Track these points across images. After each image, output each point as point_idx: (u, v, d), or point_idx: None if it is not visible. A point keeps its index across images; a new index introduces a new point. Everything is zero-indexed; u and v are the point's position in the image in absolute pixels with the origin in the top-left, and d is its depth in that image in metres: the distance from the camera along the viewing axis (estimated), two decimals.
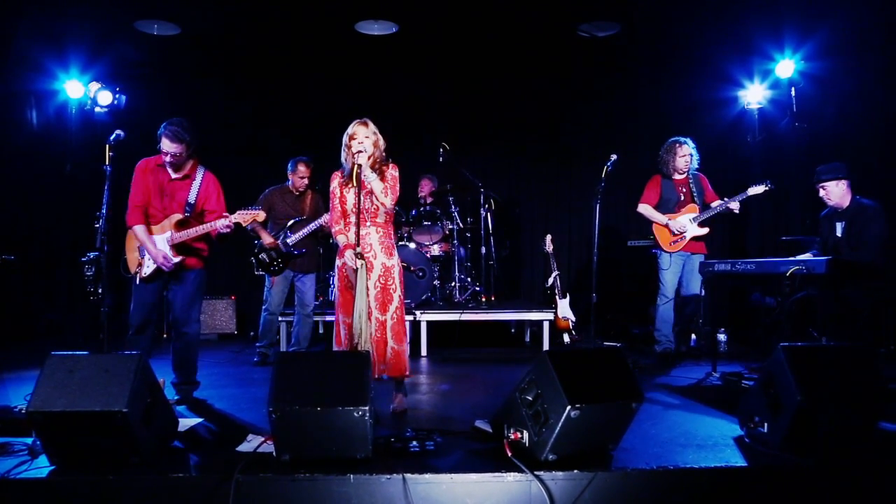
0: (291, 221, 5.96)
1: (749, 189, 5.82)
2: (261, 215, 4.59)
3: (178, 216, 4.41)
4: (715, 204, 5.92)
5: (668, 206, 6.04)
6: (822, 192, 5.31)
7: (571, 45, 7.81)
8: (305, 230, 5.91)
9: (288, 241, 5.88)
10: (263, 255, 5.93)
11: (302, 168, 6.06)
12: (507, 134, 8.88)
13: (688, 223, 5.92)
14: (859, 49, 6.70)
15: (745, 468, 3.03)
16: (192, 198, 4.45)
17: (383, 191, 4.00)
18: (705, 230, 5.95)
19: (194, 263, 4.52)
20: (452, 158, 7.30)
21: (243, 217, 4.45)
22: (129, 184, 4.44)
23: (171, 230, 4.39)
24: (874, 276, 4.95)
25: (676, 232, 5.93)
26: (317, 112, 8.42)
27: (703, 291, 5.94)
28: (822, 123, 7.20)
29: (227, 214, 4.42)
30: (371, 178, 3.96)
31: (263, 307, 6.13)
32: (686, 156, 5.98)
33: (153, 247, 4.32)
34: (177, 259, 4.38)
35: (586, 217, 7.04)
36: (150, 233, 4.38)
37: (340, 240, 4.10)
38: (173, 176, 4.44)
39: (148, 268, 4.37)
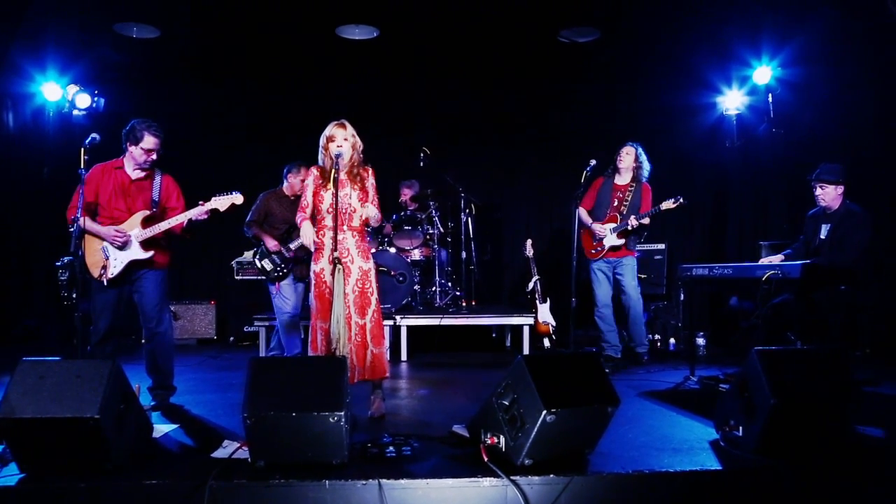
0: (289, 226, 5.84)
1: (661, 204, 5.84)
2: (238, 198, 4.51)
3: (145, 212, 4.39)
4: (633, 217, 5.92)
5: (599, 211, 6.16)
6: (818, 191, 5.29)
7: (552, 50, 7.85)
8: None
9: (291, 246, 5.73)
10: (266, 262, 5.77)
11: (305, 171, 5.73)
12: (488, 139, 8.89)
13: (608, 232, 6.04)
14: (835, 56, 6.78)
15: (719, 471, 3.05)
16: (155, 196, 4.45)
17: (377, 219, 4.15)
18: (621, 241, 6.03)
19: (160, 262, 4.49)
20: (433, 163, 7.31)
21: (220, 202, 4.44)
22: None
23: (138, 227, 4.36)
24: (850, 280, 5.00)
25: (597, 238, 6.08)
26: (297, 116, 8.40)
27: (634, 298, 6.08)
28: (798, 129, 7.28)
29: (202, 202, 4.41)
30: (371, 215, 4.07)
31: (284, 313, 5.78)
32: (626, 155, 6.07)
33: (104, 231, 4.27)
34: (147, 254, 4.36)
35: (567, 222, 7.07)
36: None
37: (305, 226, 4.08)
38: (134, 177, 4.43)
39: (115, 268, 4.31)
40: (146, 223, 4.37)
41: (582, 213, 6.16)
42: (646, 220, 5.91)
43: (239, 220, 8.38)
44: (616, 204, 6.09)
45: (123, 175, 4.42)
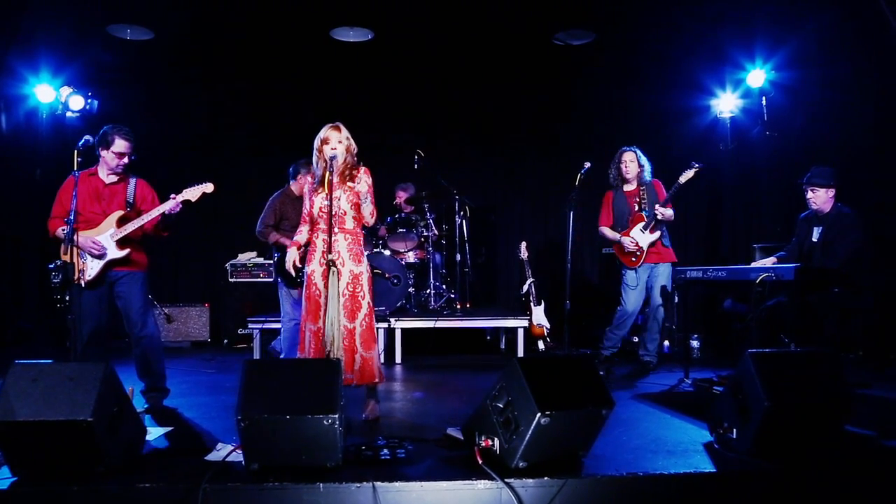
0: None
1: (680, 178, 5.65)
2: (209, 187, 4.50)
3: (119, 212, 4.42)
4: (657, 206, 5.74)
5: (622, 221, 5.97)
6: (809, 194, 5.31)
7: (547, 53, 7.87)
8: None
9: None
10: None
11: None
12: (483, 141, 8.91)
13: (639, 234, 5.83)
14: (828, 60, 6.81)
15: (713, 474, 3.04)
16: (130, 197, 4.49)
17: (371, 214, 4.10)
18: (657, 234, 5.79)
19: (138, 262, 4.50)
20: (427, 165, 7.31)
21: (191, 193, 4.44)
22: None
23: (113, 226, 4.37)
24: (842, 283, 5.02)
25: (630, 248, 5.85)
26: (291, 118, 8.40)
27: (661, 301, 5.85)
28: (791, 132, 7.31)
29: (173, 195, 4.41)
30: (366, 212, 4.06)
31: (292, 320, 5.63)
32: (629, 162, 5.92)
33: (81, 241, 4.26)
34: (123, 252, 4.36)
35: (561, 224, 7.09)
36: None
37: (291, 251, 4.16)
38: (107, 181, 4.46)
39: (92, 269, 4.32)
40: (121, 223, 4.39)
41: (605, 231, 6.03)
42: (669, 205, 5.73)
43: (234, 221, 8.39)
44: (636, 209, 5.90)
45: (97, 180, 4.46)
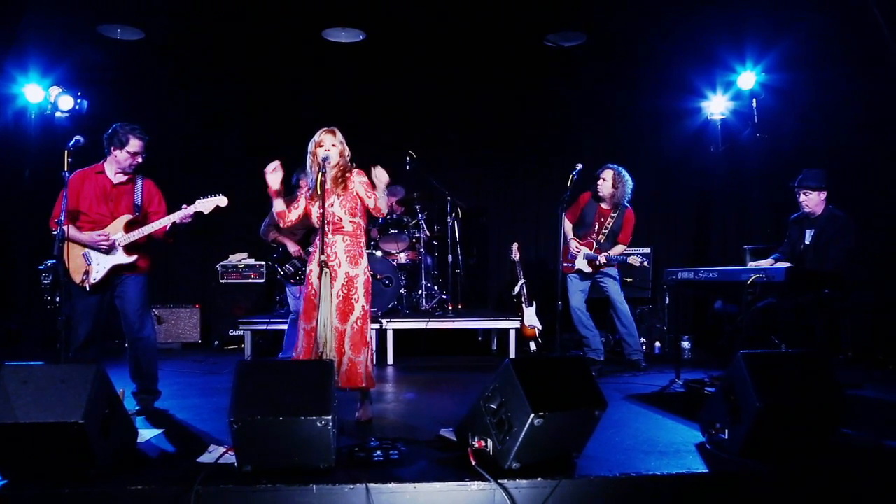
0: (307, 230, 5.76)
1: (629, 258, 5.83)
2: (223, 200, 4.44)
3: (127, 216, 4.36)
4: (602, 256, 5.92)
5: (581, 229, 6.13)
6: (801, 197, 5.33)
7: (538, 54, 7.88)
8: None
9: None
10: (288, 266, 5.73)
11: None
12: (475, 142, 8.90)
13: (582, 256, 6.01)
14: (818, 62, 6.84)
15: (705, 474, 3.06)
16: (137, 200, 4.43)
17: (386, 203, 4.11)
18: (590, 270, 6.01)
19: (142, 267, 4.46)
20: (419, 166, 7.30)
21: (204, 205, 4.39)
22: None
23: (121, 231, 4.32)
24: (832, 284, 5.04)
25: (571, 255, 6.06)
26: (283, 119, 8.37)
27: (618, 306, 6.00)
28: (782, 134, 7.34)
29: (185, 205, 4.37)
30: (380, 195, 4.04)
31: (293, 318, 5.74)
32: (604, 180, 5.99)
33: (87, 237, 4.23)
34: (131, 259, 4.32)
35: (553, 225, 7.08)
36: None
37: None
38: (115, 181, 4.40)
39: (98, 273, 4.26)
40: (129, 227, 4.34)
41: (566, 224, 6.16)
42: (611, 260, 5.90)
43: (225, 222, 8.34)
44: (597, 228, 6.03)
45: (105, 179, 4.38)
